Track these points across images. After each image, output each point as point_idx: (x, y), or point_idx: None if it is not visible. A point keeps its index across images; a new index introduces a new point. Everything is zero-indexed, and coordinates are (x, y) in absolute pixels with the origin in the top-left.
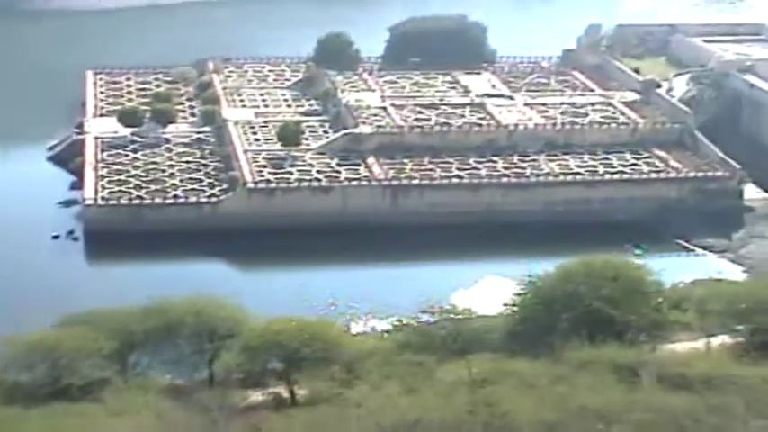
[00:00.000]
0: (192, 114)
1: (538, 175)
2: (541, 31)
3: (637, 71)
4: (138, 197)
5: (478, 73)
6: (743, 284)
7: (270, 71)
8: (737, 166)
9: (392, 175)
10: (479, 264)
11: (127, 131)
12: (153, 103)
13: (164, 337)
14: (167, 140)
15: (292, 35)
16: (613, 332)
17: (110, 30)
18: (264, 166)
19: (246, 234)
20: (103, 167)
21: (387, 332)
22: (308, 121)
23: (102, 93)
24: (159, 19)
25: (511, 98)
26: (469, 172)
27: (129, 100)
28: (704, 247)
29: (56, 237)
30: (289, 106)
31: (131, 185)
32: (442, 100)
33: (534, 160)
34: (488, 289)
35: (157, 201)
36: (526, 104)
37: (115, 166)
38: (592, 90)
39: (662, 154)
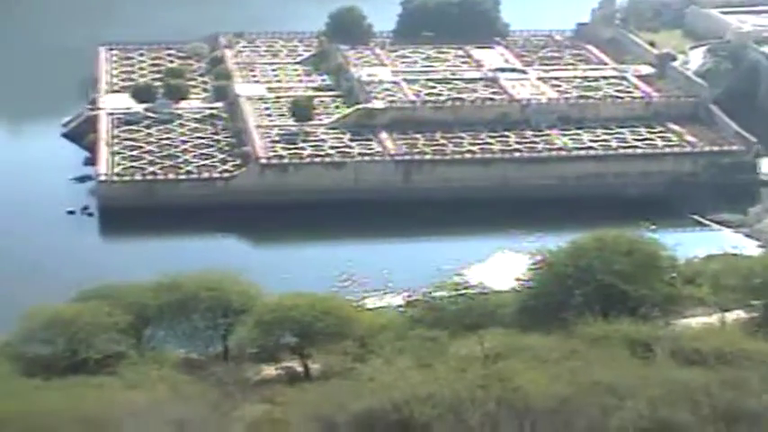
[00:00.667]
0: (205, 90)
1: (550, 150)
2: (555, 5)
3: (652, 44)
4: (152, 173)
5: (491, 47)
6: (758, 259)
7: (282, 46)
8: (754, 140)
9: (404, 149)
10: (492, 239)
11: (140, 107)
12: (166, 78)
13: (178, 311)
14: (180, 116)
15: (305, 9)
16: (627, 307)
17: (123, 5)
18: (277, 142)
19: (259, 209)
20: (117, 143)
21: (400, 307)
22: (320, 96)
23: (114, 69)
24: None
25: (524, 72)
26: (482, 147)
27: (142, 76)
28: (719, 222)
29: (71, 212)
30: (301, 81)
31: (145, 161)
32: (454, 74)
33: (547, 135)
34: (501, 264)
35: (170, 176)
36: (539, 78)
37: (128, 142)
38: (606, 64)
39: (676, 128)
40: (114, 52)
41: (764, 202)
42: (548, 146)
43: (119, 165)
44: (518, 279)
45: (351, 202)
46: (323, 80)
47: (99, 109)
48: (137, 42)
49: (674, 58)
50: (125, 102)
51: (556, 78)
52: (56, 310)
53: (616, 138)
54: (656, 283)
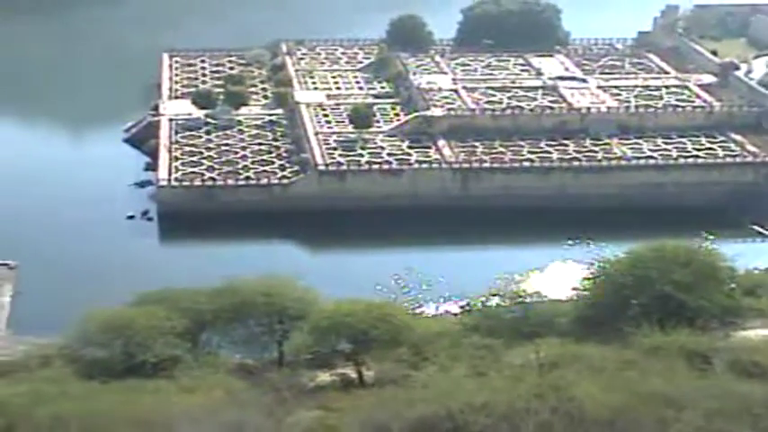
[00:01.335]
0: (265, 96)
1: (610, 159)
2: (616, 13)
3: (714, 53)
4: (211, 178)
5: (551, 55)
6: None
7: (342, 53)
8: None
9: (463, 157)
10: (549, 247)
11: (200, 113)
12: (226, 85)
13: (234, 316)
14: (240, 122)
15: (366, 17)
16: (685, 318)
17: (186, 12)
18: (335, 149)
19: (317, 216)
20: (177, 149)
21: (456, 315)
22: (379, 103)
23: (177, 75)
24: (234, 1)
25: (584, 81)
26: (540, 155)
27: (204, 82)
28: None
29: (131, 217)
30: (360, 88)
31: (204, 167)
32: (513, 82)
33: (606, 144)
34: (558, 273)
35: (229, 182)
36: (599, 87)
37: (189, 148)
38: (667, 73)
39: (738, 138)
40: (177, 59)
41: None
42: (607, 155)
43: (178, 170)
44: (575, 288)
45: (408, 209)
46: (382, 87)
47: (160, 115)
48: (199, 49)
49: (737, 68)
50: (186, 108)
51: (616, 87)
52: (113, 314)
53: (676, 147)
54: (715, 293)
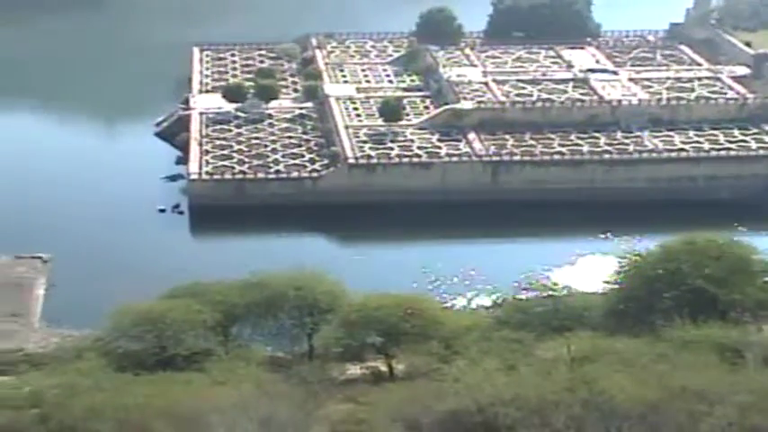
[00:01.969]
0: (295, 90)
1: (641, 152)
2: (648, 5)
3: (748, 44)
4: (241, 172)
5: (582, 47)
6: None
7: (372, 46)
8: None
9: (493, 150)
10: (580, 241)
11: (231, 107)
12: (256, 78)
13: (265, 310)
14: (270, 116)
15: (395, 10)
16: (717, 311)
17: (216, 6)
18: (365, 142)
19: (347, 209)
20: (208, 142)
21: (487, 308)
22: (409, 96)
23: (207, 69)
24: None
25: (615, 73)
26: (571, 148)
27: (234, 76)
28: None
29: (162, 210)
30: (390, 82)
31: (234, 160)
32: (544, 75)
33: (638, 136)
34: (589, 266)
35: (260, 175)
36: (630, 79)
37: (219, 141)
38: (699, 64)
39: None
40: (207, 52)
41: None
42: (638, 148)
43: (209, 164)
44: (606, 282)
45: (438, 202)
46: (412, 80)
47: (191, 108)
48: (229, 43)
49: None
50: (217, 101)
51: (647, 79)
52: (146, 307)
53: (708, 139)
54: (748, 287)
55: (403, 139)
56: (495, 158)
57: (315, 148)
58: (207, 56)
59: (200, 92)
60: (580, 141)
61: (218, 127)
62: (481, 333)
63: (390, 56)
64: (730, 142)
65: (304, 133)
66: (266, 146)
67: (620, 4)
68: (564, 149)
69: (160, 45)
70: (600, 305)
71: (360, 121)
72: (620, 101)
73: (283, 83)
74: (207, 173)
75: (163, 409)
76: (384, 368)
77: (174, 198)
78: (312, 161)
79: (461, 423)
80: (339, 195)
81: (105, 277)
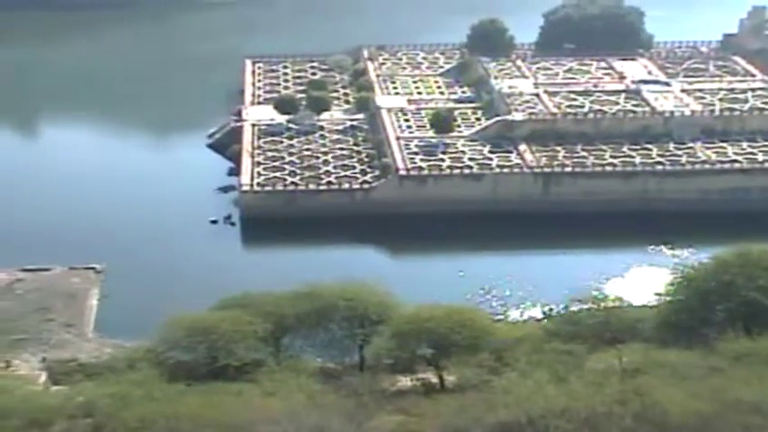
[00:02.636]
0: (347, 102)
1: (694, 163)
2: (701, 15)
3: None
4: (293, 183)
5: (634, 59)
6: None
7: (423, 58)
8: None
9: (544, 162)
10: (632, 252)
11: (283, 119)
12: (308, 90)
13: (316, 321)
14: (322, 127)
15: (447, 22)
16: None
17: (268, 19)
18: (416, 153)
19: (398, 220)
20: (260, 154)
21: (538, 320)
22: (460, 107)
23: (259, 81)
24: (316, 7)
25: (667, 84)
26: (623, 159)
27: (286, 88)
28: None
29: (214, 221)
30: (441, 93)
31: (286, 172)
32: (596, 86)
33: (690, 148)
34: (640, 278)
35: (311, 187)
36: (683, 90)
37: (271, 153)
38: (753, 75)
39: None
40: (259, 65)
41: None
42: (690, 159)
43: (261, 175)
44: (658, 294)
45: (489, 213)
46: (463, 92)
47: (243, 120)
48: (281, 55)
49: None
50: (268, 113)
51: (700, 90)
52: (197, 318)
53: (762, 151)
54: None
55: (454, 150)
56: (546, 170)
57: (366, 159)
58: (259, 68)
59: (253, 104)
60: (632, 153)
61: (270, 138)
62: (532, 345)
63: (442, 67)
64: None
65: (355, 145)
66: (317, 157)
67: (673, 15)
68: (615, 161)
69: (213, 57)
70: (652, 317)
71: (411, 132)
72: (672, 112)
73: (335, 94)
74: (258, 184)
75: (214, 420)
76: (435, 380)
77: (226, 209)
78: (363, 173)
79: None
80: (390, 207)
81: (157, 288)
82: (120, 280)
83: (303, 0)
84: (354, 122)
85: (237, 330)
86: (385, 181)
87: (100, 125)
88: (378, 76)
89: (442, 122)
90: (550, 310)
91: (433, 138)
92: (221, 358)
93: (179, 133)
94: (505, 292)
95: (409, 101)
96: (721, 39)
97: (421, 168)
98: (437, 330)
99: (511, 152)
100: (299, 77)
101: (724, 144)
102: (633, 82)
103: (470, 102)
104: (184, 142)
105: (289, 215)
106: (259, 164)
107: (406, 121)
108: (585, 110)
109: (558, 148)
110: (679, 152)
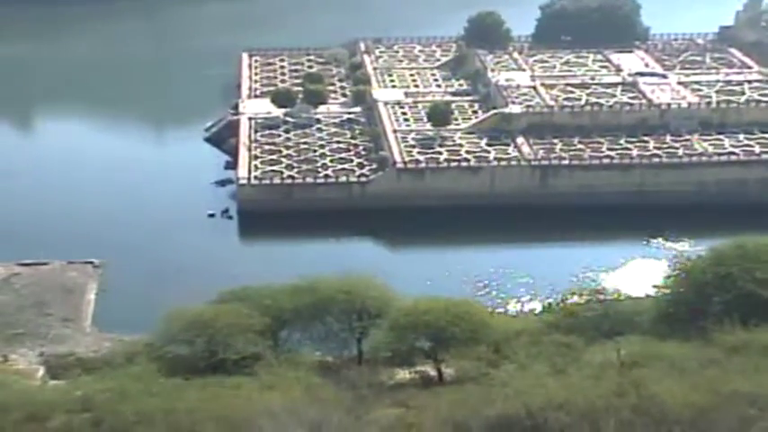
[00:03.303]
0: (344, 95)
1: (691, 156)
2: (697, 8)
3: None
4: (290, 176)
5: (631, 51)
6: None
7: (420, 51)
8: None
9: (541, 154)
10: (629, 245)
11: (280, 112)
12: (305, 83)
13: (314, 314)
14: (318, 121)
15: (443, 15)
16: None
17: (265, 12)
18: (414, 146)
19: (395, 213)
20: (257, 147)
21: (536, 313)
22: (457, 100)
23: (256, 74)
24: (312, 0)
25: (664, 76)
26: (620, 152)
27: (283, 81)
28: None
29: (211, 215)
30: (438, 86)
31: (283, 165)
32: (593, 79)
33: (687, 140)
34: (638, 270)
35: (308, 180)
36: (679, 83)
37: (268, 146)
38: (750, 67)
39: None
40: (256, 58)
41: None
42: (687, 151)
43: (258, 168)
44: (656, 286)
45: (487, 206)
46: (460, 85)
47: (240, 114)
48: (278, 48)
49: None
50: (265, 106)
51: (697, 82)
52: (195, 312)
53: (759, 143)
54: None
55: (451, 143)
56: (543, 162)
57: (363, 152)
58: (256, 61)
59: (250, 97)
60: (629, 145)
61: (267, 132)
62: (530, 337)
63: (438, 60)
64: None
65: (352, 138)
66: (315, 150)
67: (669, 7)
68: (613, 153)
69: (210, 51)
70: (650, 310)
71: (408, 125)
72: (669, 104)
73: (332, 88)
74: (256, 177)
75: (213, 414)
76: (433, 372)
77: (224, 203)
78: (360, 166)
79: (511, 427)
80: (387, 200)
81: (155, 282)
82: (118, 274)
83: None
84: (351, 116)
85: (235, 324)
86: (382, 174)
87: (97, 119)
88: (375, 69)
89: (440, 115)
90: (549, 303)
91: (429, 131)
92: (220, 352)
93: (176, 127)
94: (504, 285)
95: (406, 94)
96: (718, 31)
97: (418, 161)
98: (435, 323)
99: (508, 145)
100: (295, 71)
101: (721, 136)
102: (630, 74)
103: (467, 95)
104: (181, 136)
105: (286, 208)
106: (256, 157)
107: (403, 114)
108: (582, 102)
109: (556, 141)
110: (676, 144)
